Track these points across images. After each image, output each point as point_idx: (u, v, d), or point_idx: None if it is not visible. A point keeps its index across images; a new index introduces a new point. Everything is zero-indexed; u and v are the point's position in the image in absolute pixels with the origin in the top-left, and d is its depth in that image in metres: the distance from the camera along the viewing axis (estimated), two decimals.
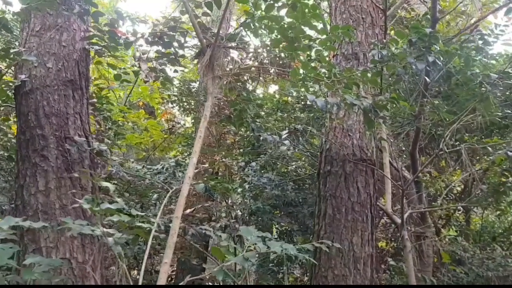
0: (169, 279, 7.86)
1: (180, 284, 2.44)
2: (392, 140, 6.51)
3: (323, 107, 2.91)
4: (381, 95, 4.04)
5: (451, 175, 7.13)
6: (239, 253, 2.69)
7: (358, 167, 4.14)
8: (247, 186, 5.97)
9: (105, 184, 2.17)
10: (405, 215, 4.54)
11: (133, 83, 8.59)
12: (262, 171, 7.11)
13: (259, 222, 7.89)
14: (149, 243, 2.70)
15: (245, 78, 4.40)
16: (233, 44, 3.47)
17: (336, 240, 3.89)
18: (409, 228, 4.90)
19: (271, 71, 3.63)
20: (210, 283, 6.53)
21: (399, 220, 4.42)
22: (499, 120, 3.76)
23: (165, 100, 8.57)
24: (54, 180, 3.37)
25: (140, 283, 2.58)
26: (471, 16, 7.70)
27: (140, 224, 2.38)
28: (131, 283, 2.46)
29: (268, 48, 3.71)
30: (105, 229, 2.30)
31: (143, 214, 2.23)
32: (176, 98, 8.69)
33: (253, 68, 3.51)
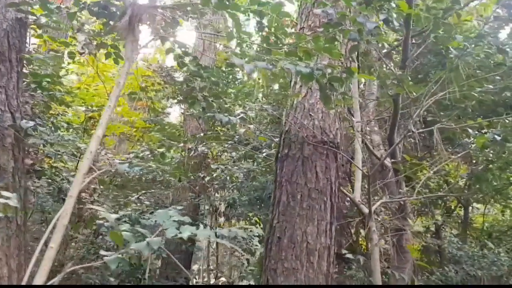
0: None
1: (56, 278, 2.07)
2: (376, 128, 6.05)
3: (251, 71, 2.51)
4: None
5: (445, 166, 6.62)
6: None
7: (318, 150, 3.71)
8: (214, 175, 5.58)
9: None
10: (375, 206, 4.11)
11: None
12: (241, 161, 6.74)
13: (241, 215, 7.53)
14: (46, 234, 2.35)
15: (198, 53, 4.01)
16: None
17: (288, 229, 3.48)
18: (378, 219, 4.44)
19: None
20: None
21: (367, 210, 3.99)
22: (475, 94, 3.28)
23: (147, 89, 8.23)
24: None
25: (23, 283, 2.22)
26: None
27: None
28: None
29: None
30: None
31: None
32: (161, 87, 8.38)
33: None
